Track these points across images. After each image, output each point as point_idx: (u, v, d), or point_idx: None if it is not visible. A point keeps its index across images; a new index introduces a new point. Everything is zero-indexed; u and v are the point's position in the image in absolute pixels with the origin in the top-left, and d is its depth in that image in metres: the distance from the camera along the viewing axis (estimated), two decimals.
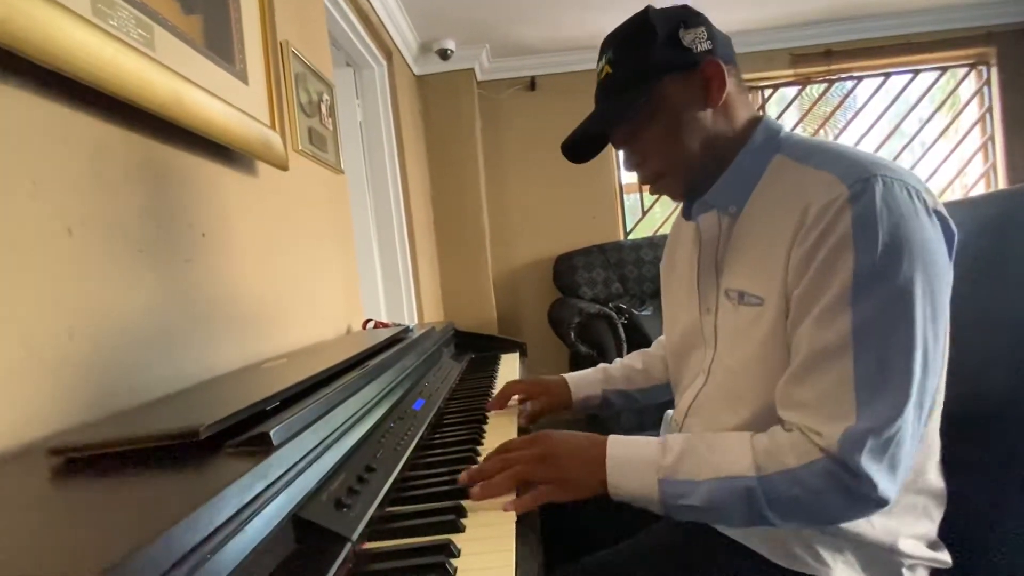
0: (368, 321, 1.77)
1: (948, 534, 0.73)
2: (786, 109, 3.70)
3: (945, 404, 0.72)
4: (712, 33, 0.77)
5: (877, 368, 0.62)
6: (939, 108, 3.65)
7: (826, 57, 3.50)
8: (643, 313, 3.11)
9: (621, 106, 0.77)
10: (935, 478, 0.73)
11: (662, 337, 1.04)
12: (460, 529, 0.60)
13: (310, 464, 0.56)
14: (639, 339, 2.80)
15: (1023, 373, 0.75)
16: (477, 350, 1.75)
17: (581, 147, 0.86)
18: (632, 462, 0.70)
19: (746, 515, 0.65)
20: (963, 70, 3.61)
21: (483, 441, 0.89)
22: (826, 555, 0.69)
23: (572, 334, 2.69)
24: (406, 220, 2.78)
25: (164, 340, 0.85)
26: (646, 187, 0.84)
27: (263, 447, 0.51)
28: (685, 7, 0.78)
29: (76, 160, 0.72)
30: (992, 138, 3.56)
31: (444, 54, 3.15)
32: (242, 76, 1.09)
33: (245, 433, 0.52)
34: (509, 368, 1.48)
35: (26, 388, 0.61)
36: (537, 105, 3.59)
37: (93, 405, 0.70)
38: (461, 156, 3.38)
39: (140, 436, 0.52)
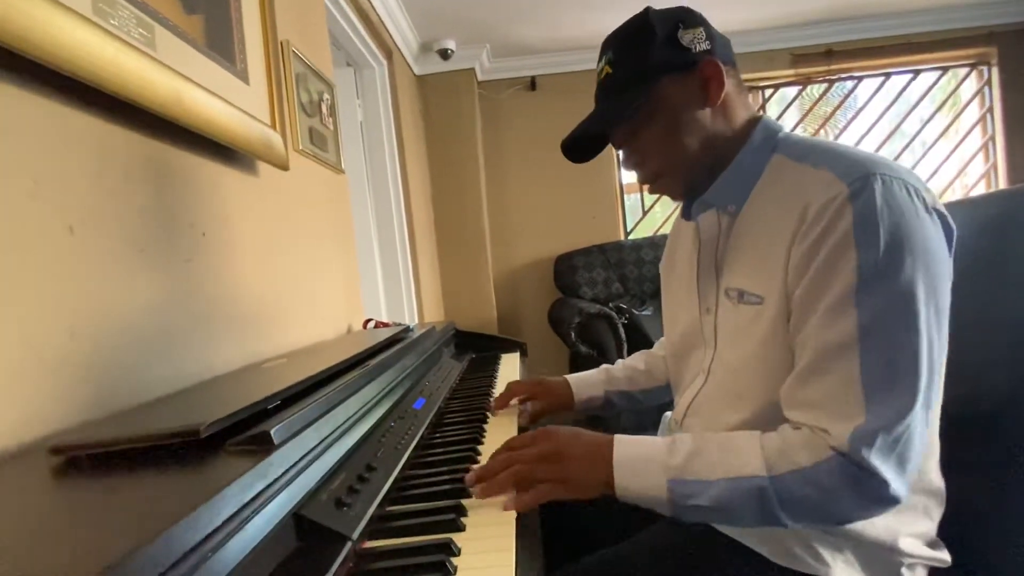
0: (368, 321, 1.78)
1: (947, 533, 0.73)
2: (787, 109, 3.70)
3: (945, 404, 0.72)
4: (711, 34, 0.77)
5: (884, 366, 0.62)
6: (940, 108, 3.65)
7: (827, 57, 3.50)
8: (643, 313, 3.11)
9: (620, 106, 0.77)
10: (935, 477, 0.73)
11: (664, 338, 1.04)
12: (460, 528, 0.60)
13: (311, 463, 0.56)
14: (639, 339, 2.79)
15: (1023, 373, 0.75)
16: (477, 350, 1.76)
17: (581, 147, 0.86)
18: (640, 462, 0.69)
19: (757, 515, 0.65)
20: (964, 70, 3.61)
21: (483, 440, 0.89)
22: (826, 554, 0.69)
23: (572, 334, 2.69)
24: (406, 220, 2.78)
25: (165, 339, 0.85)
26: (646, 187, 0.84)
27: (264, 446, 0.51)
28: (684, 8, 0.78)
29: (77, 159, 0.72)
30: (993, 138, 3.56)
31: (444, 54, 3.16)
32: (243, 76, 1.09)
33: (246, 432, 0.52)
34: (509, 368, 1.48)
35: (27, 387, 0.62)
36: (537, 105, 3.59)
37: (94, 404, 0.70)
38: (461, 156, 3.38)
39: (141, 435, 0.52)
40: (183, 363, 0.88)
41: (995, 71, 3.49)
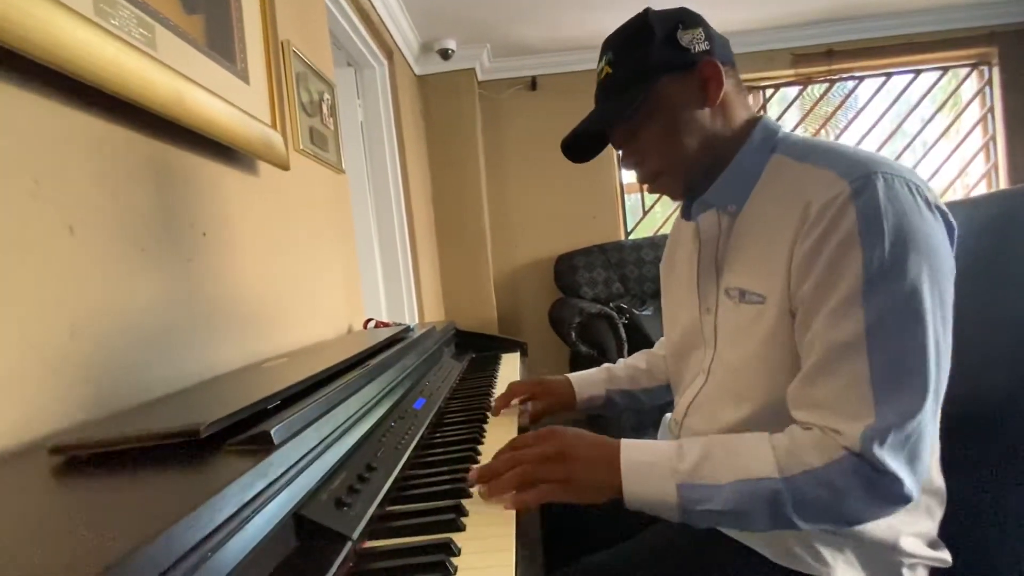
0: (369, 320, 1.78)
1: (947, 533, 0.73)
2: (787, 109, 3.70)
3: (945, 404, 0.72)
4: (710, 34, 0.77)
5: (892, 365, 0.61)
6: (941, 108, 3.64)
7: (827, 57, 3.50)
8: (644, 313, 3.11)
9: (620, 106, 0.77)
10: (936, 476, 0.73)
11: (664, 338, 1.04)
12: (460, 528, 0.60)
13: (311, 463, 0.56)
14: (640, 339, 2.80)
15: (1023, 373, 0.75)
16: (478, 350, 1.76)
17: (581, 147, 0.86)
18: (648, 467, 0.67)
19: (769, 518, 0.64)
20: (965, 70, 3.60)
21: (484, 440, 0.89)
22: (827, 554, 0.69)
23: (573, 334, 2.69)
24: (407, 219, 2.78)
25: (165, 339, 0.85)
26: (645, 186, 0.84)
27: (264, 446, 0.51)
28: (683, 9, 0.79)
29: (78, 159, 0.72)
30: (994, 138, 3.56)
31: (445, 54, 3.16)
32: (243, 76, 1.09)
33: (246, 432, 0.52)
34: (510, 368, 1.48)
35: (27, 387, 0.62)
36: (538, 105, 3.59)
37: (94, 404, 0.70)
38: (462, 156, 3.38)
39: (141, 435, 0.52)
40: (183, 363, 0.88)
41: (996, 71, 3.49)
